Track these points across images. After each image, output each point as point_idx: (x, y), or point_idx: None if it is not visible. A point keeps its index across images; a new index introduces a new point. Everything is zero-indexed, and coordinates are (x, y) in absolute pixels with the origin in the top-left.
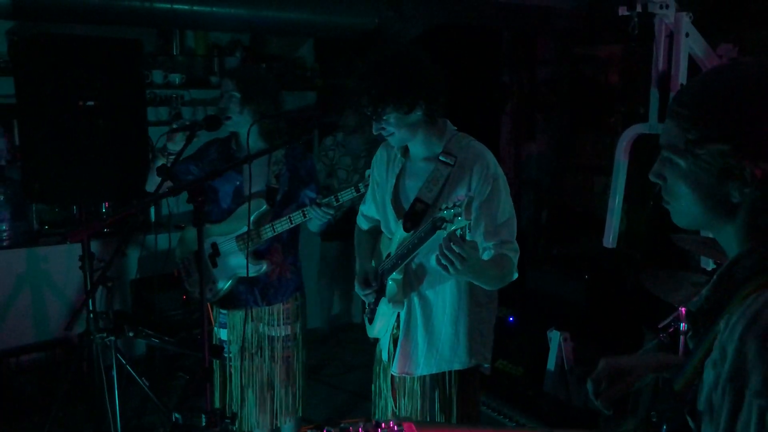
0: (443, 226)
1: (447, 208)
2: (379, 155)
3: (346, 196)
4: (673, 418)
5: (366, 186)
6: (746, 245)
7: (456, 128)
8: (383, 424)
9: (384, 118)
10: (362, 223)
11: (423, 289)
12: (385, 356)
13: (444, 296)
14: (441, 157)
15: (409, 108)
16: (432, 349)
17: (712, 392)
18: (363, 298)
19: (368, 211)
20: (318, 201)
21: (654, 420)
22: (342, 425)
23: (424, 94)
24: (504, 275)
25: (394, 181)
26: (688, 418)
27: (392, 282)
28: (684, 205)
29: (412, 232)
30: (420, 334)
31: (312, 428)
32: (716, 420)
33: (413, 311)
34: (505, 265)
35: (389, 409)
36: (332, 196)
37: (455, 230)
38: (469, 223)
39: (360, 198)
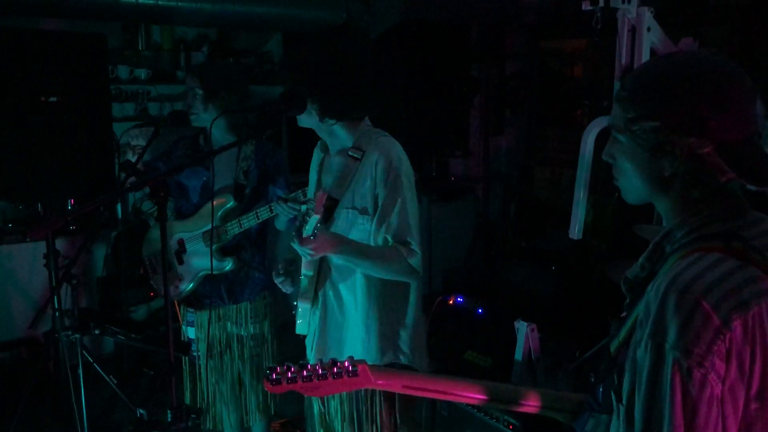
0: (306, 221)
1: (308, 203)
2: (313, 159)
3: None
4: (606, 378)
5: None
6: (678, 218)
7: (371, 125)
8: (339, 364)
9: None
10: None
11: (336, 286)
12: (309, 354)
13: (355, 294)
14: (350, 152)
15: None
16: (345, 346)
17: (636, 349)
18: (279, 285)
19: None
20: (284, 197)
21: (591, 380)
22: (301, 362)
23: (312, 79)
24: (391, 268)
25: (316, 177)
26: (615, 377)
27: (304, 277)
28: (628, 181)
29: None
30: (334, 331)
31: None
32: (639, 375)
33: (329, 308)
34: (394, 258)
35: (316, 410)
36: (299, 191)
37: (299, 229)
38: (319, 218)
39: None
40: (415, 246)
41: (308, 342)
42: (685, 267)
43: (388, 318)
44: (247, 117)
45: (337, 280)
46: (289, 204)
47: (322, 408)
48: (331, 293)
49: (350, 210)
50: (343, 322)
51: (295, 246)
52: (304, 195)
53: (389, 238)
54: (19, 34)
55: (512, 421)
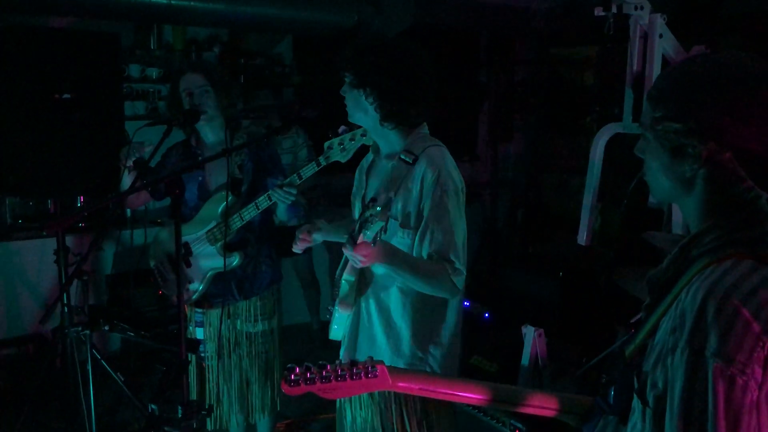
0: (367, 227)
1: (370, 208)
2: (364, 159)
3: (309, 171)
4: (620, 380)
5: (326, 159)
6: (705, 222)
7: (428, 132)
8: (359, 365)
9: (346, 79)
10: None
11: (375, 296)
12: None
13: (389, 307)
14: (402, 155)
15: (359, 82)
16: (374, 353)
17: (668, 355)
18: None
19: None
20: (279, 183)
21: (603, 382)
22: (320, 362)
23: (374, 80)
24: (434, 284)
25: (365, 179)
26: (635, 379)
27: (345, 282)
28: (654, 179)
29: None
30: (365, 342)
31: (293, 367)
32: (672, 380)
33: (362, 318)
34: (439, 275)
35: (348, 417)
36: (294, 175)
37: (353, 233)
38: (384, 225)
39: (324, 170)
40: (459, 265)
41: (341, 349)
42: (722, 274)
43: (422, 334)
44: (240, 114)
45: (376, 290)
46: (285, 189)
47: (352, 422)
48: (368, 303)
49: (392, 220)
50: (374, 333)
51: (347, 252)
52: (300, 178)
53: (433, 254)
54: (35, 32)
55: (518, 425)
